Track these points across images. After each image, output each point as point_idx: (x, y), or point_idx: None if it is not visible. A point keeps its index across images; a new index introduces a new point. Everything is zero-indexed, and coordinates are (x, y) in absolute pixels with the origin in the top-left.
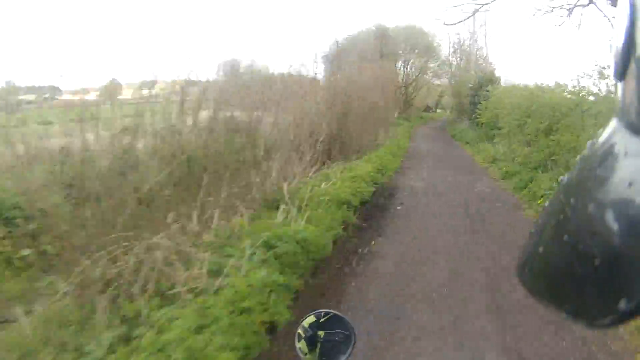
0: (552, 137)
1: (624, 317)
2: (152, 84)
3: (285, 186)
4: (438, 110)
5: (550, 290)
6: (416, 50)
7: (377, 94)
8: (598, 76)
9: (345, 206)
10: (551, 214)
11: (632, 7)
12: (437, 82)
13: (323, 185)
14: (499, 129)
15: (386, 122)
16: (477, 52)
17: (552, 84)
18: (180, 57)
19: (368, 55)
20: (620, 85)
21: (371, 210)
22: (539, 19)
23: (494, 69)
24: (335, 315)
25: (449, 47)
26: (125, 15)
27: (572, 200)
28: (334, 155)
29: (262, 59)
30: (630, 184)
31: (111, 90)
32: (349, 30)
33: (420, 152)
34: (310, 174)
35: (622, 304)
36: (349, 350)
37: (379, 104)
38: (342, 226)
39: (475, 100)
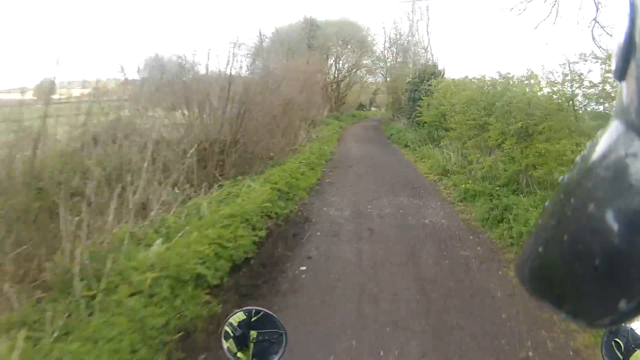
0: (536, 143)
1: (624, 317)
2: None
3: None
4: (372, 109)
5: (550, 290)
6: (349, 45)
7: (298, 89)
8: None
9: (190, 287)
10: (551, 214)
11: (632, 7)
12: (371, 80)
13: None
14: (447, 130)
15: (310, 121)
16: (417, 45)
17: (520, 73)
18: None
19: (295, 49)
20: (620, 85)
21: (246, 284)
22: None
23: (437, 62)
24: (266, 314)
25: (384, 42)
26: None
27: (572, 200)
28: (227, 171)
29: (188, 55)
30: (630, 184)
31: (44, 90)
32: (278, 24)
33: (349, 158)
34: (174, 207)
35: (622, 304)
36: (282, 351)
37: (298, 100)
38: None
39: (416, 96)
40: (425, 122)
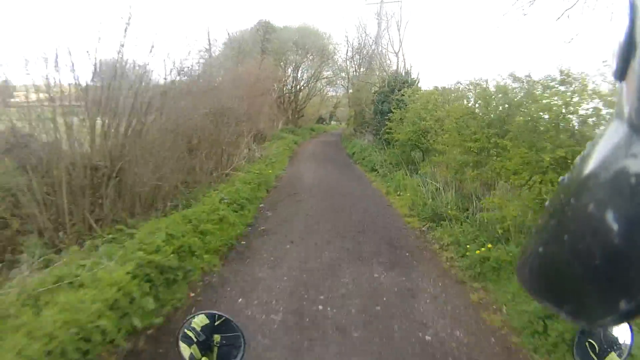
0: None
1: (625, 317)
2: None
3: None
4: (332, 122)
5: (550, 290)
6: (309, 55)
7: (240, 96)
8: None
9: None
10: (551, 214)
11: (632, 7)
12: (332, 92)
13: None
14: (426, 151)
15: (259, 135)
16: (386, 49)
17: (550, 78)
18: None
19: (247, 52)
20: (620, 85)
21: None
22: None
23: (410, 69)
24: (227, 319)
25: (347, 51)
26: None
27: (572, 200)
28: (105, 215)
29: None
30: (630, 185)
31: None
32: (233, 29)
33: (300, 187)
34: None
35: (623, 304)
36: (241, 354)
37: (240, 109)
38: None
39: (384, 108)
40: (397, 140)
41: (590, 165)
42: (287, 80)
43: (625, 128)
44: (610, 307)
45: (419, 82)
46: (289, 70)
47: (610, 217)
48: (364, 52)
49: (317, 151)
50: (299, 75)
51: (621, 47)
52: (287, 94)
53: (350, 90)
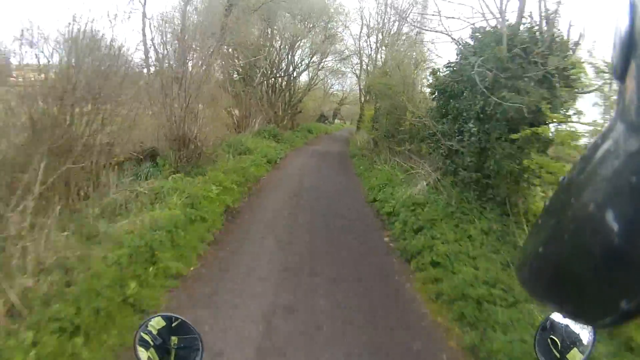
0: None
1: (625, 317)
2: None
3: None
4: (336, 121)
5: (550, 290)
6: (311, 27)
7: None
8: None
9: None
10: (551, 214)
11: (632, 7)
12: (337, 87)
13: None
14: None
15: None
16: None
17: None
18: None
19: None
20: (620, 85)
21: None
22: None
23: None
24: (183, 321)
25: (361, 29)
26: None
27: (572, 200)
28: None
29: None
30: (630, 184)
31: None
32: None
33: None
34: None
35: (623, 304)
36: (200, 356)
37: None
38: None
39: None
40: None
41: (590, 165)
42: (275, 57)
43: (625, 128)
44: (611, 307)
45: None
46: (279, 43)
47: (610, 217)
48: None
49: (304, 186)
50: (297, 56)
51: (621, 47)
52: (278, 77)
53: (369, 74)
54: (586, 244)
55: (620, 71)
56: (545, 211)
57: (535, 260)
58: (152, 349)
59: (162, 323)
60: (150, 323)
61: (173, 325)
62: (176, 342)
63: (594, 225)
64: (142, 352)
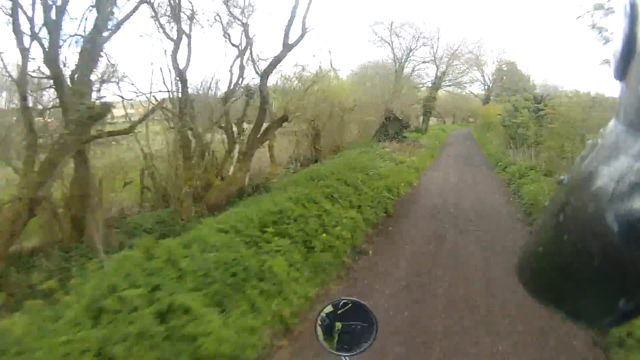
0: None
1: (624, 317)
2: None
3: None
4: (431, 121)
5: (550, 290)
6: None
7: None
8: None
9: None
10: (551, 214)
11: (632, 7)
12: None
13: None
14: None
15: None
16: None
17: None
18: None
19: None
20: (620, 85)
21: None
22: None
23: None
24: (356, 304)
25: None
26: None
27: (572, 200)
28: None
29: None
30: (630, 184)
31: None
32: None
33: None
34: None
35: (622, 304)
36: (372, 337)
37: None
38: None
39: None
40: None
41: (590, 165)
42: None
43: (625, 128)
44: (610, 307)
45: None
46: None
47: (610, 217)
48: None
49: None
50: None
51: (621, 47)
52: None
53: None
54: (586, 244)
55: (620, 71)
56: (545, 211)
57: (535, 260)
58: (319, 329)
59: (330, 309)
60: (326, 308)
61: (339, 311)
62: (339, 327)
63: (594, 225)
64: (319, 330)
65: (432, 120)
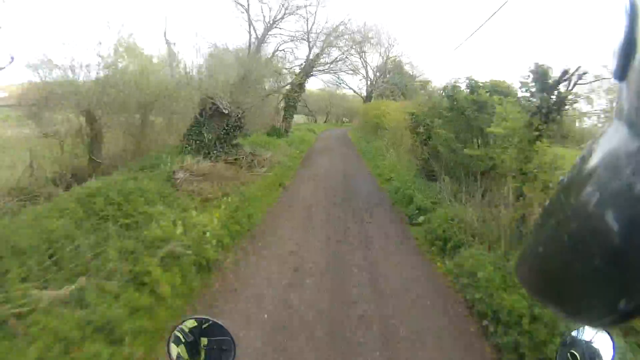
0: None
1: (624, 317)
2: None
3: None
4: (294, 119)
5: (550, 290)
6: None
7: None
8: None
9: None
10: (551, 214)
11: (632, 7)
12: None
13: None
14: None
15: None
16: None
17: None
18: None
19: None
20: (620, 85)
21: None
22: None
23: None
24: (215, 323)
25: None
26: None
27: (572, 200)
28: None
29: None
30: (630, 184)
31: None
32: None
33: None
34: None
35: (622, 304)
36: (232, 358)
37: None
38: None
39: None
40: None
41: (590, 165)
42: None
43: (625, 128)
44: (610, 307)
45: None
46: None
47: (610, 217)
48: None
49: None
50: None
51: (621, 47)
52: None
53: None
54: (586, 244)
55: (620, 71)
56: (545, 211)
57: (535, 260)
58: (182, 346)
59: (194, 324)
60: (185, 323)
61: (203, 326)
62: (205, 342)
63: (593, 225)
64: (173, 348)
65: (300, 118)
